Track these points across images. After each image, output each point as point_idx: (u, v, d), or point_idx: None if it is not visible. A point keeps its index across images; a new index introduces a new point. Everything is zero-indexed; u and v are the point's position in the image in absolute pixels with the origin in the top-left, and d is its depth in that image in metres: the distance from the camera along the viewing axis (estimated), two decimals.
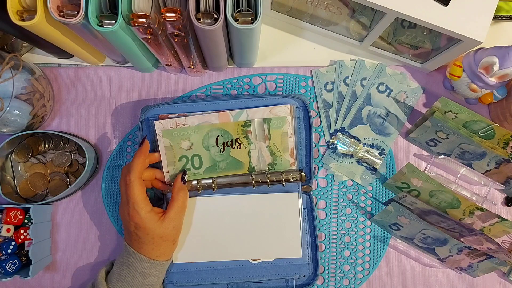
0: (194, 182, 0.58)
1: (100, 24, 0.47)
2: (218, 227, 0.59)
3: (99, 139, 0.65)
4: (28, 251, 0.57)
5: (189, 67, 0.61)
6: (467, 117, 0.57)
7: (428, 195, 0.59)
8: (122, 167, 0.59)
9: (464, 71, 0.58)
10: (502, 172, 0.60)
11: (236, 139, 0.57)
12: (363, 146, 0.64)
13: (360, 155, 0.63)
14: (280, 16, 0.65)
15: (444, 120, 0.56)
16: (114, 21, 0.47)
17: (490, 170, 0.61)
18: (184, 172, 0.57)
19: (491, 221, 0.58)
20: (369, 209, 0.64)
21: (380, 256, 0.63)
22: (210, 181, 0.58)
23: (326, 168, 0.64)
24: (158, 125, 0.56)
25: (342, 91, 0.65)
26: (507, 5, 0.65)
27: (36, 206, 0.59)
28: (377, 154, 0.63)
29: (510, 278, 0.61)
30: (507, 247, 0.63)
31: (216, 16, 0.47)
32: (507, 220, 0.56)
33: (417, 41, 0.60)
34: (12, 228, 0.58)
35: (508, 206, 0.63)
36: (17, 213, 0.58)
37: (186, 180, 0.56)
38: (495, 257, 0.55)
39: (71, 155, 0.64)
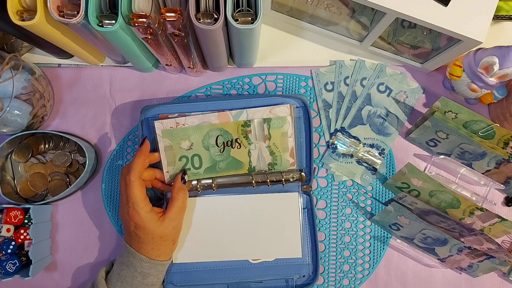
0: (194, 182, 0.58)
1: (100, 24, 0.47)
2: (218, 227, 0.59)
3: (99, 139, 0.65)
4: (28, 251, 0.57)
5: (189, 67, 0.61)
6: (467, 117, 0.57)
7: (428, 195, 0.59)
8: (122, 167, 0.59)
9: (464, 71, 0.58)
10: (502, 172, 0.60)
11: (236, 139, 0.57)
12: (363, 146, 0.64)
13: (360, 155, 0.63)
14: (280, 16, 0.65)
15: (444, 120, 0.56)
16: (114, 21, 0.47)
17: (490, 170, 0.61)
18: (184, 172, 0.57)
19: (491, 221, 0.58)
20: (369, 209, 0.64)
21: (380, 256, 0.63)
22: (210, 181, 0.58)
23: (326, 168, 0.64)
24: (158, 125, 0.56)
25: (342, 91, 0.65)
26: (507, 5, 0.65)
27: (36, 206, 0.59)
28: (377, 154, 0.63)
29: (510, 278, 0.61)
30: (507, 247, 0.63)
31: (216, 16, 0.47)
32: (507, 220, 0.56)
33: (417, 41, 0.60)
34: (12, 228, 0.58)
35: (508, 206, 0.63)
36: (17, 213, 0.58)
37: (186, 180, 0.56)
38: (495, 257, 0.55)
39: (71, 155, 0.64)
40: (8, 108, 0.55)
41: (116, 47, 0.54)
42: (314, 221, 0.60)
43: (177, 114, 0.58)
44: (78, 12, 0.46)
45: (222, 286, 0.59)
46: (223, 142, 0.57)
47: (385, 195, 0.64)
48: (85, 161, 0.59)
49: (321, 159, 0.64)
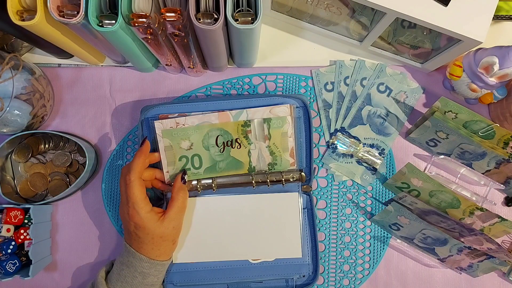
0: (194, 182, 0.58)
1: (100, 24, 0.47)
2: (218, 227, 0.59)
3: (99, 139, 0.65)
4: (28, 251, 0.57)
5: (189, 67, 0.61)
6: (467, 117, 0.57)
7: (428, 195, 0.59)
8: (122, 167, 0.59)
9: (464, 71, 0.58)
10: (502, 172, 0.60)
11: (236, 139, 0.57)
12: (363, 146, 0.64)
13: (360, 155, 0.63)
14: (280, 16, 0.65)
15: (444, 120, 0.56)
16: (114, 21, 0.47)
17: (490, 170, 0.61)
18: (184, 172, 0.57)
19: (491, 221, 0.58)
20: (369, 209, 0.64)
21: (380, 256, 0.63)
22: (210, 181, 0.58)
23: (326, 168, 0.64)
24: (158, 125, 0.56)
25: (342, 91, 0.65)
26: (507, 5, 0.65)
27: (36, 206, 0.59)
28: (377, 154, 0.63)
29: (510, 278, 0.61)
30: (507, 247, 0.63)
31: (216, 16, 0.47)
32: (507, 220, 0.56)
33: (417, 41, 0.60)
34: (12, 228, 0.58)
35: (508, 206, 0.63)
36: (17, 213, 0.58)
37: (186, 180, 0.56)
38: (495, 257, 0.55)
39: (71, 155, 0.64)
40: (8, 108, 0.55)
41: (116, 47, 0.54)
42: (314, 221, 0.60)
43: (177, 114, 0.58)
44: (78, 12, 0.46)
45: (222, 286, 0.59)
46: (223, 142, 0.57)
47: (385, 195, 0.64)
48: (85, 161, 0.59)
49: (321, 159, 0.64)
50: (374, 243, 0.63)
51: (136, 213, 0.50)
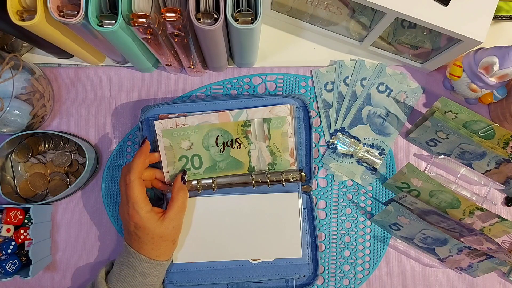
0: (194, 182, 0.58)
1: (100, 24, 0.47)
2: (218, 227, 0.59)
3: (99, 139, 0.65)
4: (28, 251, 0.57)
5: (189, 67, 0.61)
6: (467, 117, 0.57)
7: (428, 195, 0.59)
8: (122, 167, 0.59)
9: (464, 71, 0.58)
10: (502, 172, 0.60)
11: (236, 139, 0.57)
12: (363, 146, 0.64)
13: (360, 155, 0.63)
14: (280, 16, 0.65)
15: (444, 120, 0.56)
16: (114, 21, 0.47)
17: (490, 170, 0.61)
18: (184, 172, 0.57)
19: (491, 221, 0.58)
20: (369, 209, 0.64)
21: (380, 256, 0.63)
22: (210, 181, 0.58)
23: (326, 168, 0.64)
24: (158, 125, 0.56)
25: (342, 91, 0.65)
26: (507, 5, 0.65)
27: (36, 206, 0.59)
28: (377, 154, 0.63)
29: (510, 278, 0.61)
30: (507, 247, 0.63)
31: (216, 16, 0.47)
32: (507, 220, 0.56)
33: (417, 41, 0.60)
34: (12, 228, 0.58)
35: (508, 206, 0.63)
36: (17, 213, 0.58)
37: (186, 180, 0.56)
38: (495, 257, 0.55)
39: (71, 155, 0.64)
40: (8, 108, 0.55)
41: (116, 47, 0.54)
42: (314, 221, 0.60)
43: (177, 114, 0.58)
44: (78, 12, 0.46)
45: (222, 286, 0.59)
46: (223, 142, 0.57)
47: (385, 195, 0.64)
48: (85, 161, 0.59)
49: (321, 159, 0.64)
50: (374, 243, 0.63)
51: (136, 213, 0.50)
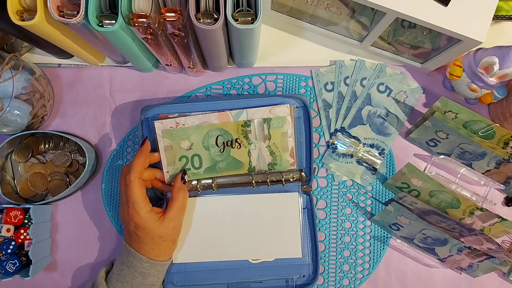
0: (194, 182, 0.58)
1: (100, 24, 0.47)
2: (218, 227, 0.59)
3: (99, 139, 0.65)
4: (28, 251, 0.57)
5: (189, 67, 0.61)
6: (467, 117, 0.57)
7: (428, 195, 0.59)
8: (122, 167, 0.59)
9: (464, 71, 0.58)
10: (502, 172, 0.60)
11: (236, 139, 0.57)
12: (363, 146, 0.64)
13: (360, 155, 0.63)
14: (280, 16, 0.65)
15: (444, 120, 0.56)
16: (114, 21, 0.47)
17: (490, 170, 0.61)
18: (184, 172, 0.57)
19: (491, 221, 0.58)
20: (369, 209, 0.64)
21: (380, 256, 0.63)
22: (210, 181, 0.58)
23: (326, 168, 0.64)
24: (158, 125, 0.56)
25: (342, 91, 0.65)
26: (507, 5, 0.65)
27: (36, 206, 0.59)
28: (377, 154, 0.63)
29: (510, 278, 0.61)
30: (507, 247, 0.63)
31: (216, 16, 0.47)
32: (507, 220, 0.56)
33: (417, 41, 0.60)
34: (12, 228, 0.58)
35: (508, 206, 0.63)
36: (17, 213, 0.58)
37: (186, 180, 0.56)
38: (495, 257, 0.55)
39: (71, 155, 0.64)
40: (8, 108, 0.55)
41: (116, 47, 0.54)
42: (314, 221, 0.60)
43: (177, 114, 0.58)
44: (78, 12, 0.46)
45: (222, 286, 0.59)
46: (223, 142, 0.57)
47: (385, 195, 0.64)
48: (85, 161, 0.59)
49: (321, 159, 0.64)
50: (374, 243, 0.63)
51: (136, 213, 0.50)
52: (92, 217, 0.63)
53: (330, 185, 0.64)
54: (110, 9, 0.49)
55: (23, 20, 0.48)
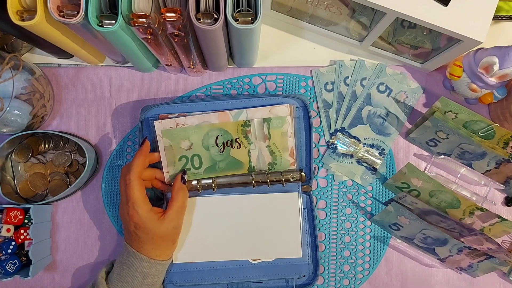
0: (194, 182, 0.58)
1: (100, 24, 0.47)
2: (218, 227, 0.59)
3: (99, 139, 0.65)
4: (28, 251, 0.57)
5: (189, 67, 0.61)
6: (467, 117, 0.57)
7: (428, 195, 0.59)
8: (122, 167, 0.59)
9: (464, 71, 0.58)
10: (502, 172, 0.60)
11: (236, 139, 0.57)
12: (363, 146, 0.64)
13: (360, 155, 0.63)
14: (280, 16, 0.65)
15: (444, 120, 0.56)
16: (114, 21, 0.47)
17: (490, 170, 0.61)
18: (184, 172, 0.57)
19: (491, 221, 0.58)
20: (369, 209, 0.64)
21: (380, 256, 0.63)
22: (210, 181, 0.58)
23: (326, 168, 0.64)
24: (158, 125, 0.56)
25: (342, 91, 0.65)
26: (507, 5, 0.65)
27: (36, 206, 0.59)
28: (377, 154, 0.63)
29: (510, 278, 0.61)
30: (507, 247, 0.63)
31: (216, 16, 0.47)
32: (507, 220, 0.56)
33: (417, 41, 0.60)
34: (12, 228, 0.58)
35: (508, 206, 0.63)
36: (17, 213, 0.58)
37: (186, 180, 0.56)
38: (495, 257, 0.55)
39: (71, 155, 0.64)
40: (8, 108, 0.55)
41: (116, 47, 0.54)
42: (314, 221, 0.60)
43: (177, 114, 0.58)
44: (78, 12, 0.46)
45: (222, 286, 0.59)
46: (223, 142, 0.57)
47: (385, 195, 0.64)
48: (85, 161, 0.59)
49: (321, 159, 0.64)
50: (374, 243, 0.63)
51: (136, 213, 0.50)
52: (92, 217, 0.63)
53: (330, 185, 0.64)
54: (110, 9, 0.49)
55: (23, 20, 0.48)
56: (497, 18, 0.65)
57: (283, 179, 0.58)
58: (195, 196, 0.59)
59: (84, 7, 0.46)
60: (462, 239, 0.56)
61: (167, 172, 0.57)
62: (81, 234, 0.63)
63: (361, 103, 0.64)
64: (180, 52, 0.55)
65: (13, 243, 0.57)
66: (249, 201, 0.59)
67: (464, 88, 0.60)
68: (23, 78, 0.58)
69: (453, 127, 0.56)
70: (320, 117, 0.65)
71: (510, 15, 0.65)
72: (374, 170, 0.63)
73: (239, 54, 0.59)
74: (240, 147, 0.57)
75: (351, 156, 0.64)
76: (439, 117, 0.56)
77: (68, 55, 0.65)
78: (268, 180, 0.58)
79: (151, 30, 0.49)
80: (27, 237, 0.58)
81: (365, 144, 0.64)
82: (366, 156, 0.63)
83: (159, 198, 0.60)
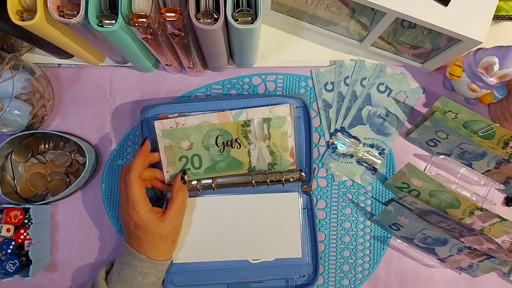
0: (194, 182, 0.58)
1: (100, 24, 0.47)
2: (218, 227, 0.59)
3: (99, 139, 0.65)
4: (28, 251, 0.57)
5: (189, 67, 0.61)
6: (467, 117, 0.57)
7: (428, 195, 0.59)
8: (122, 167, 0.59)
9: (464, 71, 0.58)
10: (502, 172, 0.60)
11: (236, 139, 0.57)
12: (363, 146, 0.64)
13: (360, 155, 0.63)
14: (280, 16, 0.65)
15: (444, 120, 0.56)
16: (114, 21, 0.47)
17: (490, 170, 0.61)
18: (184, 172, 0.57)
19: (491, 221, 0.58)
20: (369, 209, 0.64)
21: (380, 256, 0.63)
22: (210, 181, 0.58)
23: (326, 168, 0.64)
24: (158, 125, 0.56)
25: (342, 91, 0.65)
26: (507, 5, 0.65)
27: (36, 206, 0.59)
28: (377, 154, 0.63)
29: (510, 278, 0.61)
30: (507, 247, 0.63)
31: (216, 16, 0.47)
32: (507, 220, 0.56)
33: (417, 41, 0.60)
34: (12, 228, 0.58)
35: (508, 206, 0.63)
36: (17, 213, 0.58)
37: (186, 180, 0.56)
38: (495, 257, 0.55)
39: (71, 155, 0.64)
40: (8, 108, 0.55)
41: (116, 47, 0.54)
42: (314, 221, 0.60)
43: (177, 114, 0.58)
44: (78, 12, 0.46)
45: (222, 286, 0.59)
46: (223, 142, 0.57)
47: (385, 195, 0.64)
48: (85, 161, 0.59)
49: (321, 159, 0.64)
50: (374, 243, 0.63)
51: (136, 213, 0.50)
52: (92, 217, 0.63)
53: (330, 185, 0.64)
54: (110, 9, 0.49)
55: (23, 20, 0.48)
56: (497, 18, 0.65)
57: (283, 179, 0.58)
58: (195, 196, 0.59)
59: (84, 7, 0.46)
60: (462, 239, 0.56)
61: (167, 172, 0.57)
62: (81, 234, 0.63)
63: (361, 103, 0.64)
64: (180, 52, 0.55)
65: (13, 243, 0.57)
66: (249, 201, 0.59)
67: (464, 88, 0.60)
68: (23, 78, 0.58)
69: (453, 127, 0.56)
70: (320, 117, 0.65)
71: (510, 15, 0.65)
72: (374, 170, 0.63)
73: (239, 54, 0.59)
74: (240, 147, 0.57)
75: (351, 156, 0.64)
76: (439, 117, 0.56)
77: (68, 55, 0.65)
78: (268, 180, 0.58)
79: (151, 30, 0.49)
80: (27, 237, 0.58)
81: (365, 144, 0.64)
82: (366, 156, 0.63)
83: (159, 198, 0.60)
